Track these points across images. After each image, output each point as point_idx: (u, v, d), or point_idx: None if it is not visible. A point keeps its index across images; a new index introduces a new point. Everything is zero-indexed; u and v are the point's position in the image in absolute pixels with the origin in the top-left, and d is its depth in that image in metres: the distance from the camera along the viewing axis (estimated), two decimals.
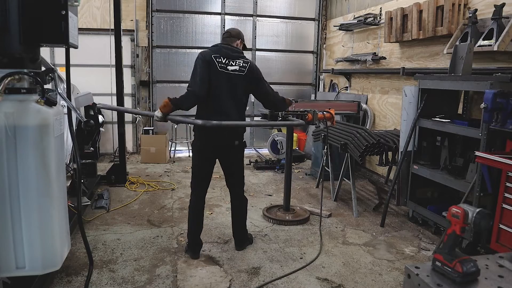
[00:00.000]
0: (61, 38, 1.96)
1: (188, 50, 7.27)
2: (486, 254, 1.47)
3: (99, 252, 3.29)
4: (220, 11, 7.27)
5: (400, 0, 5.21)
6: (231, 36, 3.31)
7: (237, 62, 3.14)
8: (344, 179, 4.75)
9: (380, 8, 5.71)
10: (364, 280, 2.95)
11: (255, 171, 6.19)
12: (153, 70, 7.13)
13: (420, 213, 3.96)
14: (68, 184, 3.96)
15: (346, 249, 3.48)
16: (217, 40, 7.31)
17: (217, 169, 6.32)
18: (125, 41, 6.53)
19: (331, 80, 7.38)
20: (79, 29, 2.23)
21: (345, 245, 3.57)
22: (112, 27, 5.01)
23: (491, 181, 3.00)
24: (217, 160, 3.33)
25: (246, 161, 6.69)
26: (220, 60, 3.10)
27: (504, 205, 2.92)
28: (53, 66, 5.30)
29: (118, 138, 5.36)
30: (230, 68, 3.11)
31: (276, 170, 6.20)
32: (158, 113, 3.08)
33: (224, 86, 3.08)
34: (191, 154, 3.28)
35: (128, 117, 6.67)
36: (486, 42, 3.59)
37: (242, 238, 3.44)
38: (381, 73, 5.72)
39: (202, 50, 3.25)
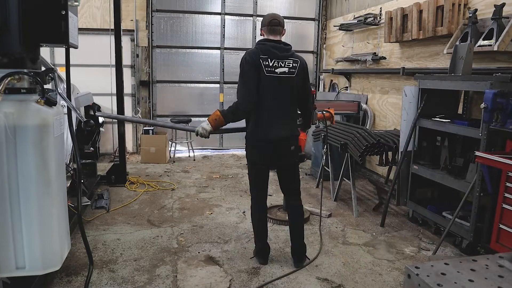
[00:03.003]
0: (61, 38, 1.96)
1: (188, 50, 7.27)
2: (486, 254, 1.47)
3: (99, 252, 3.29)
4: (220, 11, 7.27)
5: (400, 0, 5.21)
6: (280, 25, 2.91)
7: (286, 63, 2.83)
8: (344, 179, 4.75)
9: (380, 8, 5.71)
10: (364, 280, 2.94)
11: None
12: (153, 70, 7.13)
13: (420, 213, 3.96)
14: (68, 184, 3.96)
15: (346, 249, 3.48)
16: (217, 40, 7.33)
17: (217, 169, 6.33)
18: (125, 41, 6.53)
19: (331, 80, 7.38)
20: (79, 29, 2.23)
21: (345, 245, 3.57)
22: (112, 27, 5.01)
23: (491, 181, 3.00)
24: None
25: (246, 161, 6.71)
26: (267, 63, 2.78)
27: (504, 205, 2.92)
28: (53, 66, 5.30)
29: (118, 138, 5.35)
30: (278, 70, 2.81)
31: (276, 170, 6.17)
32: (207, 125, 2.87)
33: (273, 91, 2.81)
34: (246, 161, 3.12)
35: None
36: (486, 42, 3.59)
37: (302, 252, 3.19)
38: (381, 73, 5.72)
39: (249, 50, 2.90)
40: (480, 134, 3.10)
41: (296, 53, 2.98)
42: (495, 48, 3.45)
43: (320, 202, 3.96)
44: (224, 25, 7.33)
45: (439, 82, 3.65)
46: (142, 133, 6.71)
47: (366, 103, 6.06)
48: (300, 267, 3.10)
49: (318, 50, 7.82)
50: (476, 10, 3.84)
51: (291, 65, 2.86)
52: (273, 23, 2.90)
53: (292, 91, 2.90)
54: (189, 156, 7.03)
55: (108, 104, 6.10)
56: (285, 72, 2.83)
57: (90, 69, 6.51)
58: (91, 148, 5.71)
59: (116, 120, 5.40)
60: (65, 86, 2.34)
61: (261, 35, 3.02)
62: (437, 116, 3.80)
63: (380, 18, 5.67)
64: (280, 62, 2.83)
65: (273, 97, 2.83)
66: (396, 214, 4.36)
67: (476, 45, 3.65)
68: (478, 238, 3.22)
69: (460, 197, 3.43)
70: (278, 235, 3.72)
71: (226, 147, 7.73)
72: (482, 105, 2.87)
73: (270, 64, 2.80)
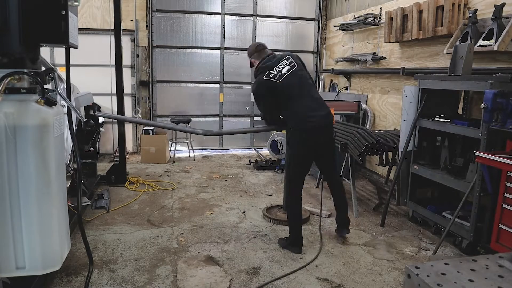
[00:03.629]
0: (61, 38, 1.96)
1: (188, 50, 7.27)
2: (486, 254, 1.47)
3: (99, 252, 3.29)
4: (220, 11, 7.27)
5: (400, 0, 5.21)
6: (263, 46, 3.54)
7: (283, 63, 3.30)
8: (344, 179, 4.74)
9: (380, 8, 5.71)
10: (364, 280, 2.94)
11: (255, 171, 6.19)
12: (153, 70, 7.13)
13: (420, 213, 3.96)
14: (68, 184, 3.96)
15: (346, 249, 3.48)
16: (217, 40, 7.34)
17: (217, 169, 6.33)
18: (125, 41, 6.53)
19: (331, 80, 7.39)
20: (79, 29, 2.23)
21: (345, 245, 3.57)
22: (112, 27, 5.01)
23: (491, 181, 2.99)
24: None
25: (246, 161, 6.74)
26: (273, 74, 3.25)
27: (504, 205, 2.92)
28: (53, 66, 5.30)
29: (118, 138, 5.35)
30: (284, 70, 3.26)
31: (276, 170, 6.19)
32: None
33: (294, 87, 3.24)
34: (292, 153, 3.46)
35: None
36: (486, 42, 3.58)
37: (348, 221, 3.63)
38: (381, 73, 5.72)
39: (259, 76, 3.32)
40: (480, 134, 3.10)
41: (284, 51, 3.60)
42: (495, 48, 3.45)
43: (320, 202, 3.97)
44: (224, 25, 7.33)
45: (439, 82, 3.65)
46: (142, 133, 6.72)
47: (366, 103, 6.06)
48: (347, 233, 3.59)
49: (318, 50, 7.82)
50: (476, 10, 3.84)
51: (288, 61, 3.32)
52: (259, 48, 3.47)
53: (305, 78, 3.35)
54: (189, 156, 7.03)
55: (108, 104, 6.10)
56: (289, 69, 3.27)
57: (90, 69, 6.51)
58: (91, 148, 5.71)
59: (116, 120, 5.40)
60: (65, 86, 2.34)
61: (252, 65, 3.53)
62: (437, 116, 3.80)
63: (380, 18, 5.67)
64: (279, 65, 3.29)
65: (298, 91, 3.26)
66: (396, 214, 4.36)
67: (476, 45, 3.65)
68: (478, 238, 3.22)
69: (460, 197, 3.43)
70: (278, 235, 3.72)
71: (226, 147, 7.73)
72: (482, 105, 2.87)
73: (275, 73, 3.25)
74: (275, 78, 3.22)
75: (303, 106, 3.24)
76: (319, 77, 7.84)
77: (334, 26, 7.01)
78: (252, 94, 3.40)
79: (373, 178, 5.68)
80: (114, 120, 6.41)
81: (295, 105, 3.25)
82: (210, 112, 7.58)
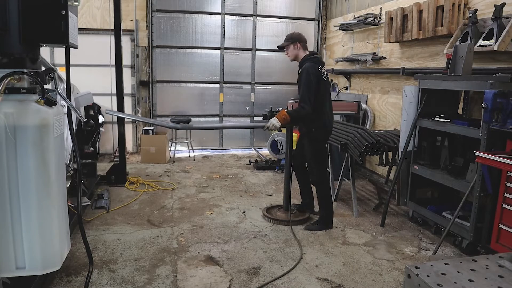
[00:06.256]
0: (61, 38, 1.96)
1: (188, 50, 7.27)
2: (486, 254, 1.47)
3: (99, 252, 3.29)
4: (220, 11, 7.27)
5: (400, 0, 5.21)
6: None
7: (324, 69, 3.76)
8: (344, 179, 4.74)
9: (380, 8, 5.71)
10: (364, 280, 2.94)
11: (255, 171, 6.19)
12: (153, 70, 7.13)
13: (420, 213, 3.96)
14: (68, 184, 3.96)
15: (346, 249, 3.48)
16: (217, 40, 7.34)
17: (217, 169, 6.33)
18: (125, 41, 6.53)
19: (331, 80, 7.38)
20: (79, 29, 2.23)
21: (345, 245, 3.57)
22: (112, 27, 5.01)
23: (491, 181, 2.99)
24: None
25: (246, 161, 6.74)
26: (323, 71, 3.70)
27: (504, 205, 2.92)
28: (53, 66, 5.29)
29: (118, 138, 5.35)
30: (324, 75, 3.72)
31: (276, 170, 6.19)
32: (277, 123, 3.61)
33: (327, 92, 3.83)
34: (316, 148, 3.87)
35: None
36: (486, 42, 3.58)
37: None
38: (381, 73, 5.72)
39: (311, 63, 3.68)
40: (480, 134, 3.09)
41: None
42: (495, 48, 3.45)
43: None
44: (224, 25, 7.33)
45: (439, 82, 3.65)
46: (142, 133, 6.72)
47: (366, 103, 6.06)
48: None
49: (318, 50, 7.80)
50: (476, 10, 3.84)
51: (325, 70, 3.79)
52: (304, 40, 3.85)
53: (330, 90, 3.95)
54: (189, 156, 7.03)
55: (108, 104, 6.11)
56: (327, 75, 3.79)
57: (90, 69, 6.51)
58: (91, 148, 5.71)
59: (116, 120, 5.40)
60: (65, 86, 2.34)
61: (294, 48, 3.83)
62: (437, 116, 3.79)
63: (380, 18, 5.67)
64: (324, 68, 3.75)
65: (327, 96, 3.82)
66: (396, 214, 4.36)
67: (476, 45, 3.65)
68: (478, 238, 3.22)
69: (460, 197, 3.43)
70: (278, 235, 3.72)
71: (226, 147, 7.73)
72: (483, 105, 2.87)
73: (323, 72, 3.70)
74: (324, 76, 3.70)
75: (330, 109, 3.84)
76: None
77: (334, 26, 7.01)
78: (305, 73, 3.61)
79: (373, 178, 5.68)
80: (114, 120, 6.41)
81: (327, 106, 3.78)
82: (210, 112, 7.58)
